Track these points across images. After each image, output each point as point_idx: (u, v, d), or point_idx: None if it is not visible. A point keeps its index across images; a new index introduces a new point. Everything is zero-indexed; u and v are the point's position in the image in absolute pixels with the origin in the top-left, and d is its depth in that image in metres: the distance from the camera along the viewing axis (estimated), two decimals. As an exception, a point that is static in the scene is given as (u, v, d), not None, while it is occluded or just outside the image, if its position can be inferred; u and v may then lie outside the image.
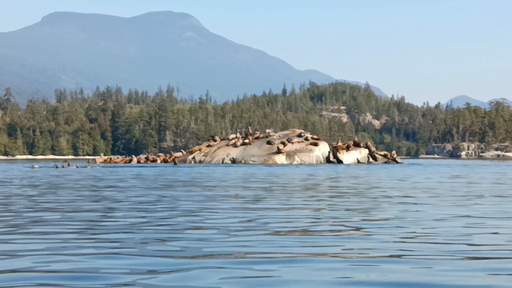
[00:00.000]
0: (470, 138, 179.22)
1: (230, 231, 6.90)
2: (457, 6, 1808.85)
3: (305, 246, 5.88)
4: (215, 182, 18.77)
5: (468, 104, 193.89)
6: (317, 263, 4.98)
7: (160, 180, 20.33)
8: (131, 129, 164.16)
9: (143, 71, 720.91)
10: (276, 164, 46.47)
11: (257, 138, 55.17)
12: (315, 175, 24.17)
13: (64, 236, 6.51)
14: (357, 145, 54.23)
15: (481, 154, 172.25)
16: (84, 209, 9.71)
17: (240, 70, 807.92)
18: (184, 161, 52.69)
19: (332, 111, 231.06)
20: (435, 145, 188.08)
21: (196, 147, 56.48)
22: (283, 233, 6.77)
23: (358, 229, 7.10)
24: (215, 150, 53.22)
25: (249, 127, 61.71)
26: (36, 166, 40.21)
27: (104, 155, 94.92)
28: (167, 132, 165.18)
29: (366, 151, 53.13)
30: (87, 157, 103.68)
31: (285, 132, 58.62)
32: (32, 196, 12.69)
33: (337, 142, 53.87)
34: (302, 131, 56.83)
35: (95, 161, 58.43)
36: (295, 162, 48.96)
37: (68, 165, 39.08)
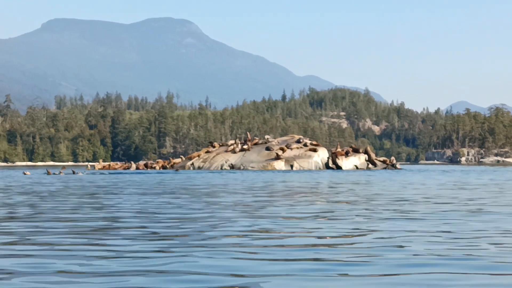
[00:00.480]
0: (470, 143, 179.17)
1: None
2: (456, 12, 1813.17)
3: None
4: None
5: (468, 109, 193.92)
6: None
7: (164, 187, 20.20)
8: (131, 136, 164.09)
9: (143, 78, 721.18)
10: (275, 170, 46.35)
11: (256, 144, 54.97)
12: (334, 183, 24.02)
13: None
14: (356, 151, 54.10)
15: (481, 159, 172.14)
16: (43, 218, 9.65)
17: (240, 76, 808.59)
18: (183, 167, 52.61)
19: (332, 117, 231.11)
20: (435, 151, 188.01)
21: (195, 153, 56.27)
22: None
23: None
24: (213, 156, 53.08)
25: (248, 133, 61.65)
26: (28, 172, 39.69)
27: (104, 161, 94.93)
28: (167, 138, 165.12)
29: (365, 157, 52.96)
30: (87, 163, 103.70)
31: (284, 138, 58.38)
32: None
33: (336, 148, 53.64)
34: (301, 137, 56.62)
35: (94, 168, 58.36)
36: (294, 168, 48.77)
37: (60, 172, 38.00)
